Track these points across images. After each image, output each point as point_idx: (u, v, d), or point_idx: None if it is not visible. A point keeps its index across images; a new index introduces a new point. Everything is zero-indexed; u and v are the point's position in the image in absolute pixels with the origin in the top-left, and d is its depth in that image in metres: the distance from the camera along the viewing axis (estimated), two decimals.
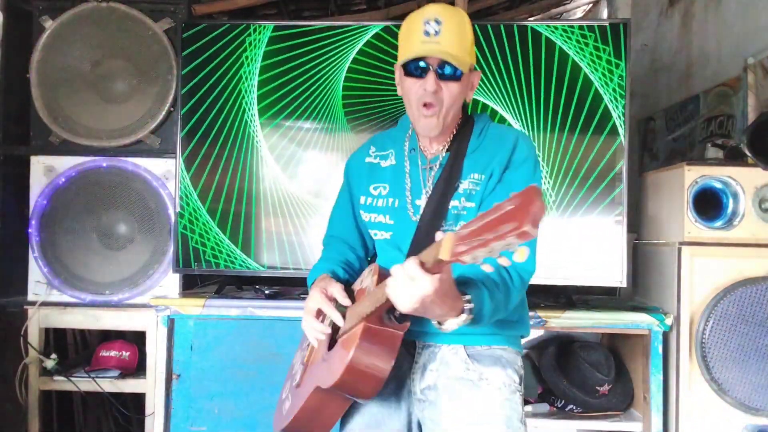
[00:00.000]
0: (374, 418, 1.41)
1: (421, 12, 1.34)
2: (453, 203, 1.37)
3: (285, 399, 1.49)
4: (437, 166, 1.42)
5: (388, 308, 1.19)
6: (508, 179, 1.36)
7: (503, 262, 0.94)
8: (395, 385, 1.42)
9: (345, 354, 1.20)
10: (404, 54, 1.35)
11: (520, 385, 1.41)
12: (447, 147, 1.43)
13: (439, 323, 1.18)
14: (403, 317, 1.22)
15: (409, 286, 1.06)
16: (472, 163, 1.39)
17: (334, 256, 1.55)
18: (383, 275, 1.28)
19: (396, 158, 1.49)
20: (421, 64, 1.32)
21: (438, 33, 1.30)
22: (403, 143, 1.49)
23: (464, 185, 1.38)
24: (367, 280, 1.35)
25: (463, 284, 1.21)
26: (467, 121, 1.46)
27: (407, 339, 1.41)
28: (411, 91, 1.36)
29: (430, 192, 1.40)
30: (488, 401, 1.35)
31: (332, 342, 1.35)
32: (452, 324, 1.16)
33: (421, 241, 1.34)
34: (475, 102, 2.38)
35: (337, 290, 1.34)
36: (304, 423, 1.34)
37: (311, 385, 1.32)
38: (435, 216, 1.36)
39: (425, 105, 1.34)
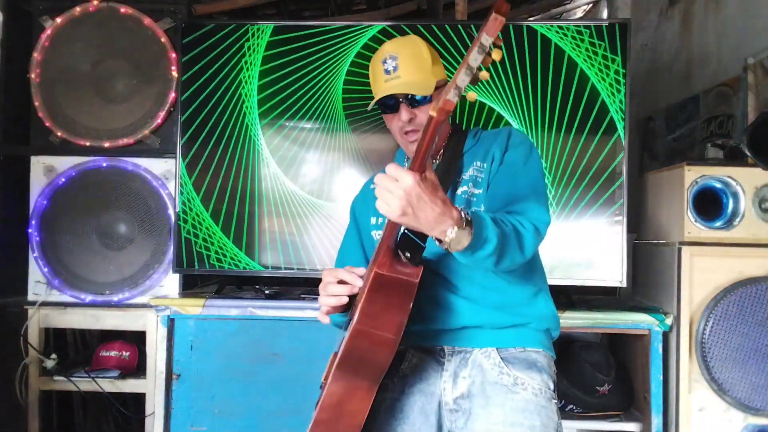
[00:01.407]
0: (401, 428, 1.36)
1: (379, 53, 1.42)
2: (462, 189, 1.40)
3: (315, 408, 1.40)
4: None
5: (397, 245, 1.18)
6: (508, 158, 1.38)
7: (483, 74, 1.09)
8: (423, 399, 1.37)
9: (356, 312, 1.15)
10: (374, 95, 1.43)
11: (554, 392, 1.37)
12: (442, 153, 1.47)
13: (440, 241, 1.12)
14: (414, 256, 1.19)
15: (391, 186, 1.06)
16: (471, 157, 1.44)
17: None
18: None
19: None
20: (391, 100, 1.40)
21: (396, 68, 1.38)
22: (403, 165, 1.53)
23: (469, 173, 1.41)
24: None
25: None
26: (459, 131, 1.50)
27: (434, 346, 1.39)
28: (391, 124, 1.44)
29: None
30: (524, 407, 1.31)
31: None
32: (453, 235, 1.09)
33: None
34: (475, 102, 2.38)
35: (347, 268, 1.33)
36: (327, 422, 1.22)
37: (332, 370, 1.24)
38: None
39: (407, 132, 1.42)
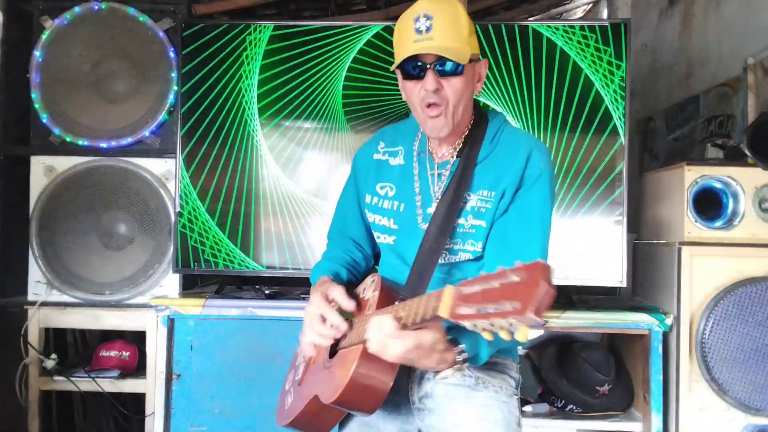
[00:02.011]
0: (370, 420, 1.39)
1: (411, 10, 1.27)
2: (459, 221, 1.31)
3: (287, 392, 1.48)
4: (447, 173, 1.35)
5: None
6: (522, 201, 1.29)
7: (504, 336, 0.89)
8: (392, 393, 1.37)
9: (345, 372, 1.18)
10: (398, 56, 1.28)
11: (516, 388, 1.41)
12: (458, 152, 1.36)
13: (436, 372, 1.17)
14: None
15: (387, 345, 1.08)
16: (482, 173, 1.32)
17: (338, 255, 1.50)
18: (385, 290, 1.26)
19: (405, 158, 1.43)
20: (418, 63, 1.25)
21: (430, 29, 1.22)
22: (413, 143, 1.43)
23: (472, 202, 1.31)
24: (369, 290, 1.32)
25: (458, 329, 1.17)
26: (480, 122, 1.38)
27: None
28: (412, 93, 1.29)
29: (438, 200, 1.34)
30: (487, 403, 1.34)
31: (334, 348, 1.32)
32: (449, 375, 1.16)
33: (425, 254, 1.30)
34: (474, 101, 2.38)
35: (339, 294, 1.28)
36: (304, 424, 1.34)
37: (310, 391, 1.30)
38: (441, 229, 1.30)
39: (429, 106, 1.28)
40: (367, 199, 1.46)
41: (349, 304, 1.28)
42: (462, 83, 1.27)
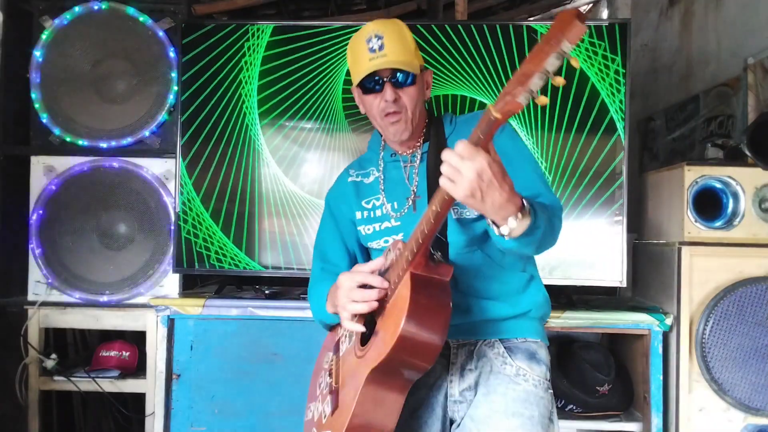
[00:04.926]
0: (411, 428, 1.39)
1: (361, 33, 1.40)
2: None
3: (319, 411, 1.39)
4: (419, 158, 1.47)
5: (428, 251, 1.17)
6: (497, 148, 1.35)
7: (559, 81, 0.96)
8: (429, 393, 1.40)
9: (398, 315, 1.10)
10: (357, 75, 1.41)
11: (549, 382, 1.42)
12: (424, 137, 1.48)
13: (498, 226, 1.11)
14: (444, 254, 1.18)
15: (462, 166, 1.02)
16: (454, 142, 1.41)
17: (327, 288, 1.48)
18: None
19: (378, 170, 1.53)
20: (375, 78, 1.39)
21: (382, 47, 1.37)
22: (379, 155, 1.54)
23: None
24: (391, 253, 1.30)
25: None
26: (434, 119, 1.51)
27: None
28: (373, 106, 1.43)
29: (417, 182, 1.44)
30: (525, 397, 1.35)
31: (365, 337, 1.27)
32: (515, 224, 1.09)
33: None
34: (473, 101, 2.38)
35: (367, 264, 1.31)
36: (364, 421, 1.20)
37: (361, 376, 1.19)
38: None
39: (388, 114, 1.40)
40: (358, 215, 1.52)
41: (379, 263, 1.29)
42: (416, 91, 1.42)
